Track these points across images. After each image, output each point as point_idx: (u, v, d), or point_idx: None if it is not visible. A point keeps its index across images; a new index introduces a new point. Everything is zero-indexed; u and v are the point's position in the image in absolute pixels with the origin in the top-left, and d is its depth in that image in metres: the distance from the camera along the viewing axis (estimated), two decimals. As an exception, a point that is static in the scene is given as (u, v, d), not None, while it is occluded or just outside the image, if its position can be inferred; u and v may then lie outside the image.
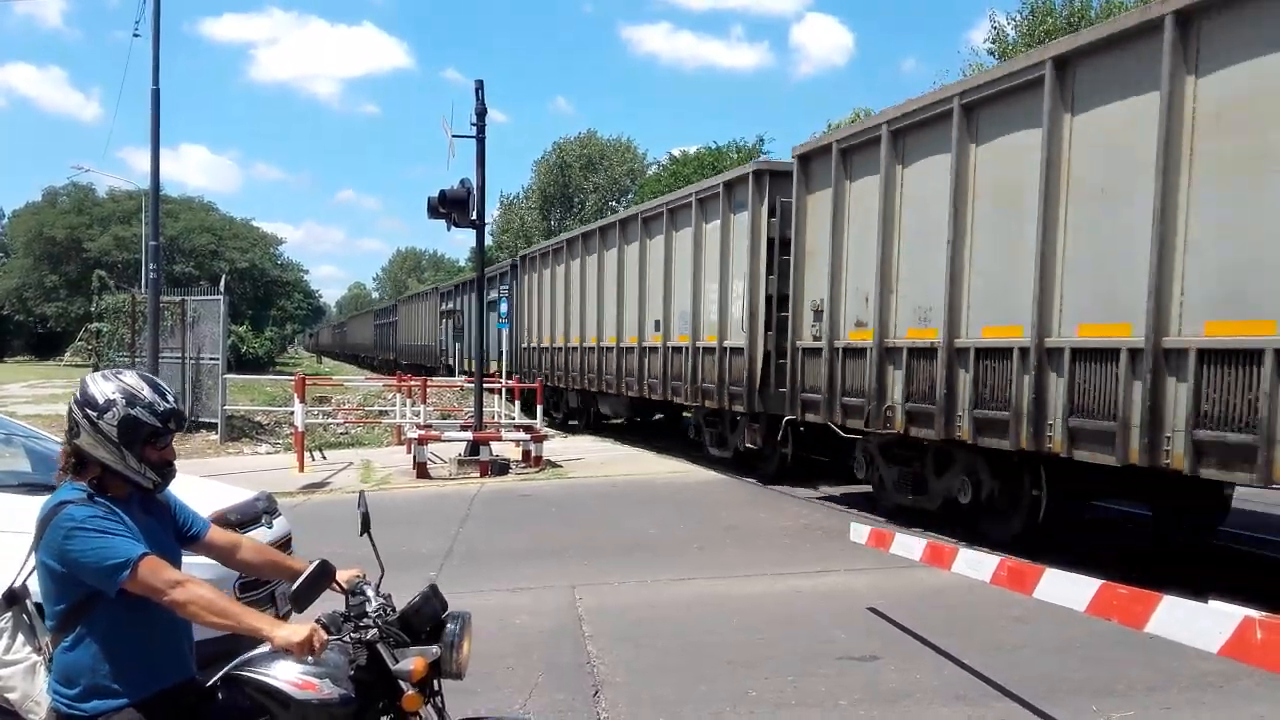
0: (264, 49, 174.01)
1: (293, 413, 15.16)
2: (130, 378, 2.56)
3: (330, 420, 20.23)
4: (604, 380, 17.35)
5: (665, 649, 5.84)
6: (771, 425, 12.17)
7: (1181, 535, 8.73)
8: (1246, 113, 6.22)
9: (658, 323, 15.03)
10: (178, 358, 17.39)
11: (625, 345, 16.39)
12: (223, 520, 4.96)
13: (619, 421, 19.95)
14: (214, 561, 2.87)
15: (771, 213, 12.09)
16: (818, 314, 10.87)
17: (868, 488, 10.92)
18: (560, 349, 19.60)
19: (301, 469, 13.70)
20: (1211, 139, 6.42)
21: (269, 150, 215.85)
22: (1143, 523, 9.48)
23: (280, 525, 5.47)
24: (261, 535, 5.12)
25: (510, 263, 26.15)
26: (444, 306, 31.43)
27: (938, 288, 8.81)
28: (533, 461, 14.22)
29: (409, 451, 14.37)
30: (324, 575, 2.54)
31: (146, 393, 2.51)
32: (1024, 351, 7.82)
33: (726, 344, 12.87)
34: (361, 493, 2.93)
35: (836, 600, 6.90)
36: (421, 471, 13.36)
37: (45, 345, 53.14)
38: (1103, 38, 7.32)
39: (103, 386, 2.51)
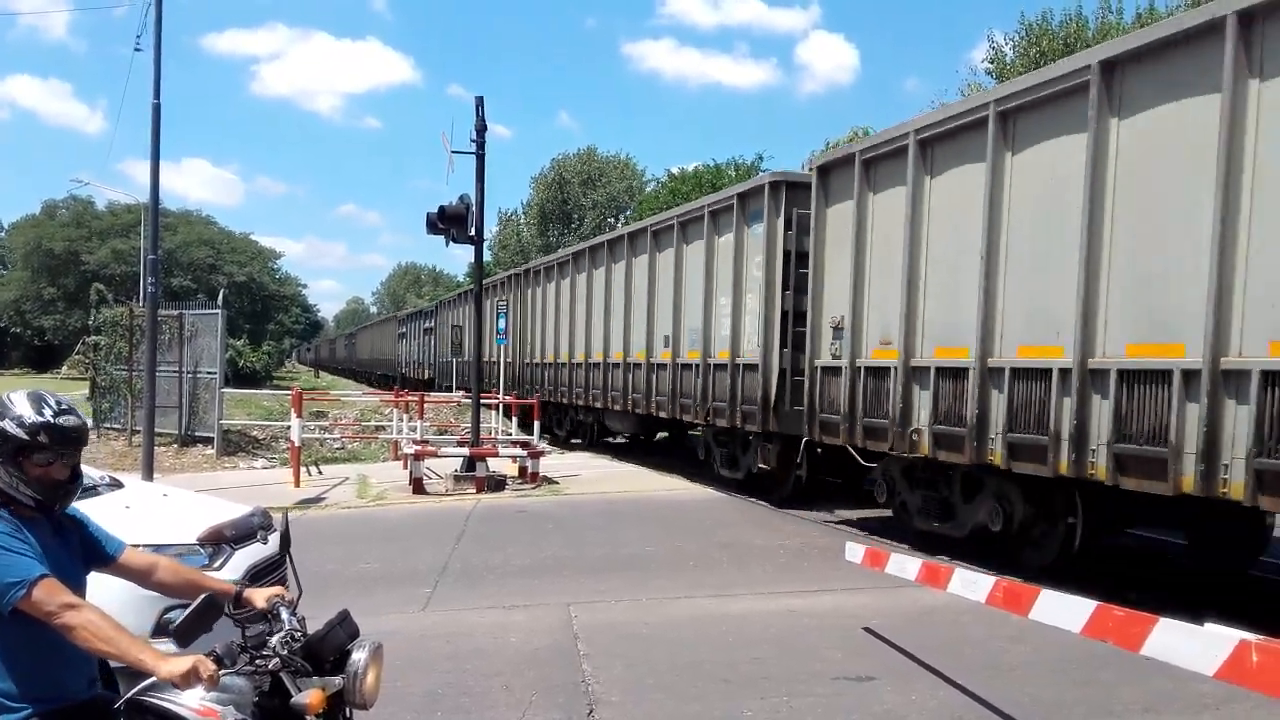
0: (267, 64, 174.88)
1: (289, 427, 15.13)
2: (15, 395, 2.56)
3: (327, 435, 20.18)
4: (609, 397, 17.16)
5: (660, 668, 5.81)
6: (786, 446, 11.89)
7: (1218, 564, 8.50)
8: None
9: (666, 338, 14.77)
10: (175, 371, 17.33)
11: (632, 361, 16.17)
12: (218, 535, 4.97)
13: (623, 440, 19.95)
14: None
15: (788, 225, 11.70)
16: (837, 331, 10.42)
17: (885, 512, 10.56)
18: (564, 365, 19.55)
19: (297, 484, 13.65)
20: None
21: (271, 164, 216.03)
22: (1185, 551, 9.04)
23: (275, 541, 5.46)
24: (257, 551, 5.12)
25: (505, 276, 24.70)
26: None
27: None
28: (529, 478, 14.21)
29: (405, 467, 14.34)
30: (210, 609, 2.51)
31: (18, 408, 2.51)
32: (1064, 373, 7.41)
33: (739, 360, 12.59)
34: (285, 513, 2.92)
35: (833, 620, 6.88)
36: (418, 487, 13.34)
37: (43, 358, 53.12)
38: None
39: None
